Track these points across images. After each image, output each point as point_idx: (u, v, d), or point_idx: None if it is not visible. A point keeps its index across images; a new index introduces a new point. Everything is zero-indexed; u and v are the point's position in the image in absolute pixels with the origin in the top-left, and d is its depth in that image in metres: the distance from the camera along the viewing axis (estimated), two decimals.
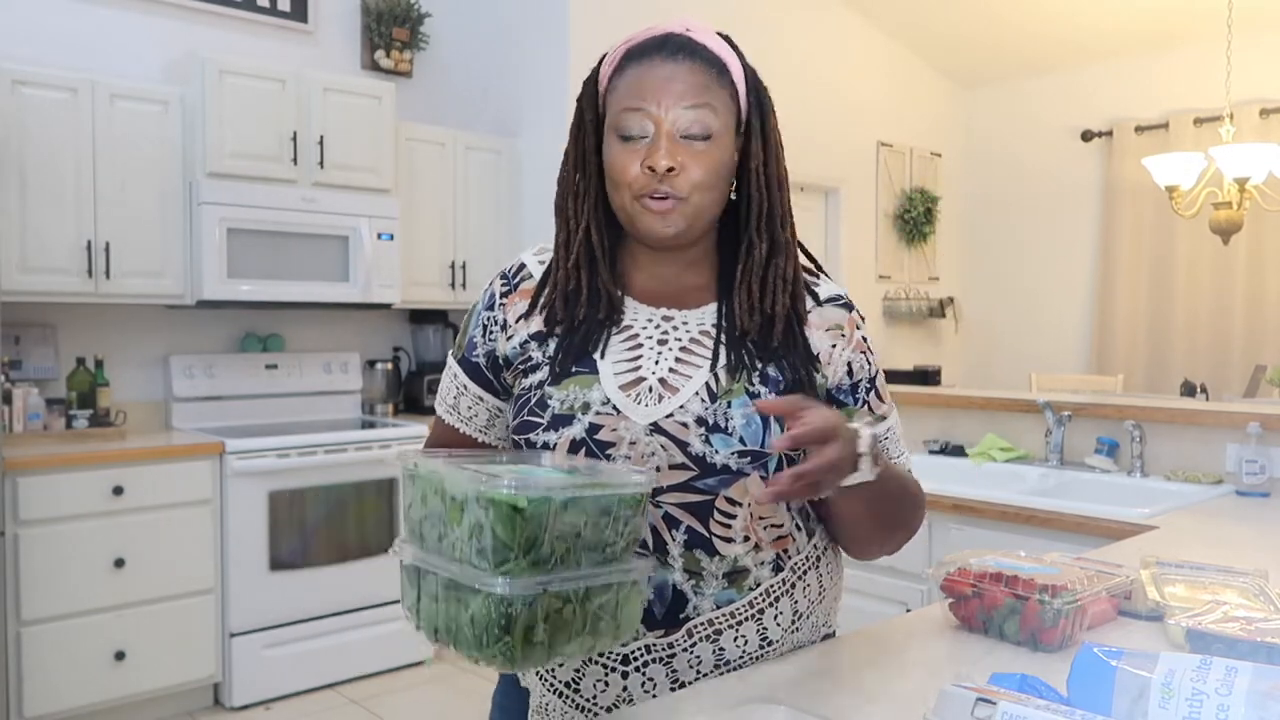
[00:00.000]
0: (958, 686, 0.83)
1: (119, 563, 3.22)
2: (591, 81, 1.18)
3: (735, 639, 1.11)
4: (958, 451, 3.13)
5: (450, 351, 1.26)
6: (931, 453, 3.19)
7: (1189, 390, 4.21)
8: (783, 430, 1.06)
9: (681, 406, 1.08)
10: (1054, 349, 5.91)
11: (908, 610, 2.34)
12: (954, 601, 1.29)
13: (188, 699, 3.47)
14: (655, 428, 1.08)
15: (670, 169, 1.07)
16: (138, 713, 3.35)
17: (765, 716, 0.95)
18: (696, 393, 1.09)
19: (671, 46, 1.10)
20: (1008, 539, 2.31)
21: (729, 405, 1.08)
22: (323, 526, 3.65)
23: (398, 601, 3.86)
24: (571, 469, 0.98)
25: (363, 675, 3.74)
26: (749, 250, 1.14)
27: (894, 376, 4.53)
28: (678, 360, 1.12)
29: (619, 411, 1.09)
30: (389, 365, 4.45)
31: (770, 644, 1.13)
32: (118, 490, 3.22)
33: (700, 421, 1.08)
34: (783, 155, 1.17)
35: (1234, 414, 2.61)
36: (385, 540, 3.79)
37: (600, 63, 1.17)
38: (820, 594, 1.19)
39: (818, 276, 1.21)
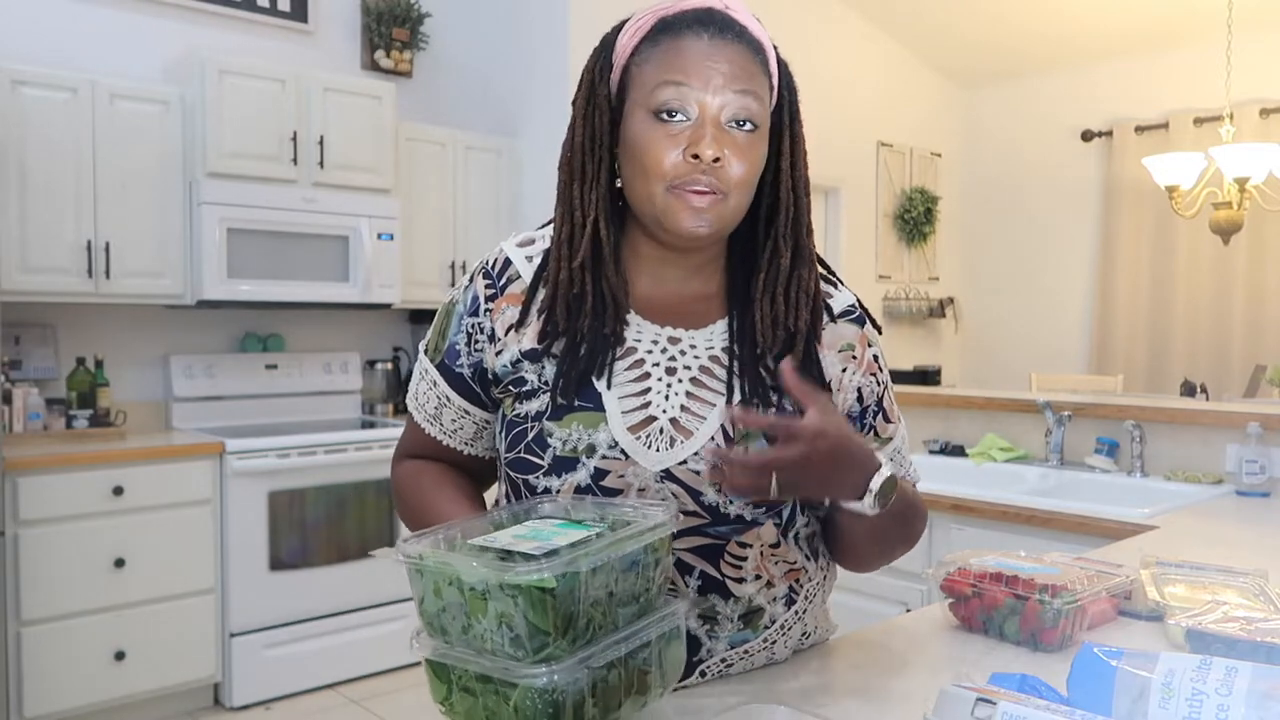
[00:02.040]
0: (958, 686, 0.83)
1: (119, 563, 3.22)
2: (605, 49, 1.04)
3: (746, 668, 1.09)
4: (958, 451, 3.12)
5: (422, 348, 1.14)
6: (931, 453, 3.19)
7: (1189, 390, 4.21)
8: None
9: (696, 454, 1.00)
10: (1054, 349, 5.91)
11: (908, 610, 2.34)
12: (954, 601, 1.29)
13: (188, 699, 3.47)
14: (667, 474, 1.00)
15: (716, 159, 0.96)
16: (138, 713, 3.34)
17: (765, 716, 0.95)
18: (712, 437, 1.00)
19: (718, 23, 0.99)
20: (1008, 539, 2.31)
21: (745, 451, 0.98)
22: (323, 526, 3.65)
23: (398, 601, 3.83)
24: (580, 519, 0.90)
25: (363, 675, 3.74)
26: (773, 258, 1.04)
27: (894, 376, 4.52)
28: (689, 395, 1.02)
29: (627, 456, 0.99)
30: (389, 365, 4.45)
31: (776, 662, 1.12)
32: (118, 490, 3.22)
33: (715, 470, 0.98)
34: (807, 157, 1.08)
35: (1234, 414, 2.61)
36: (385, 540, 3.79)
37: (616, 30, 1.04)
38: (823, 607, 1.18)
39: (834, 286, 1.13)
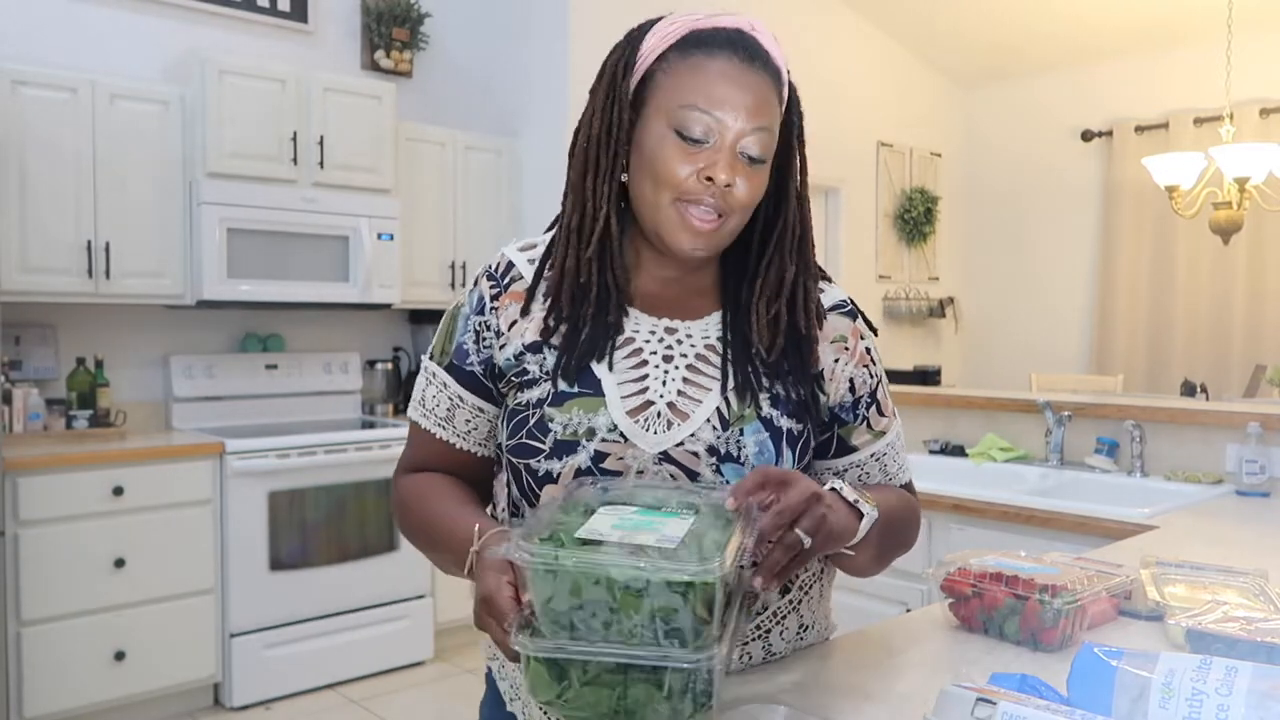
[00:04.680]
0: (958, 686, 0.83)
1: (119, 563, 3.22)
2: (631, 45, 1.05)
3: (740, 656, 1.09)
4: (958, 451, 3.12)
5: (427, 357, 1.15)
6: (931, 453, 3.19)
7: (1189, 390, 4.21)
8: (795, 461, 1.06)
9: (693, 435, 1.03)
10: (1054, 349, 5.91)
11: (908, 610, 2.34)
12: (954, 601, 1.29)
13: (188, 699, 3.47)
14: (665, 456, 1.02)
15: (729, 185, 1.00)
16: (138, 713, 3.34)
17: (765, 716, 0.95)
18: (708, 419, 1.03)
19: (748, 48, 1.02)
20: (1008, 539, 2.31)
21: (741, 433, 1.03)
22: (323, 526, 3.65)
23: (398, 601, 3.83)
24: (655, 504, 0.90)
25: (363, 675, 3.74)
26: (772, 268, 1.08)
27: (894, 376, 4.53)
28: (685, 381, 1.05)
29: (626, 439, 1.02)
30: (389, 365, 4.45)
31: (774, 656, 1.12)
32: (118, 490, 3.22)
33: (711, 451, 1.02)
34: (808, 172, 1.12)
35: (1234, 414, 2.61)
36: (385, 540, 3.79)
37: (642, 29, 1.06)
38: (821, 601, 1.18)
39: (828, 282, 1.16)
